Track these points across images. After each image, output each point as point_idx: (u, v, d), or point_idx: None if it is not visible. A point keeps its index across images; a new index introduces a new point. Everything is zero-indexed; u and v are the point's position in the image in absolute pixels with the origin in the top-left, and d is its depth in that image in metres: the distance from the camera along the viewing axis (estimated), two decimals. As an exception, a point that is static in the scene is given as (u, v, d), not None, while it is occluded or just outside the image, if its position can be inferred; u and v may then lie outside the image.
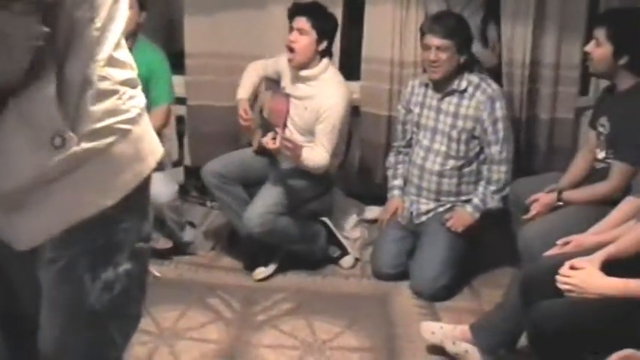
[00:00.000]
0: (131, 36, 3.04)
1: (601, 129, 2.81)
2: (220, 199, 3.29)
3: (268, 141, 3.00)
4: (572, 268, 2.14)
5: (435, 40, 3.01)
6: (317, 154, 3.08)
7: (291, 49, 3.14)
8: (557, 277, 2.14)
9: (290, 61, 3.18)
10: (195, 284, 3.18)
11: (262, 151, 3.24)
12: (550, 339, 2.06)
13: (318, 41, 3.14)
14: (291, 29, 3.17)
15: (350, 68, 3.80)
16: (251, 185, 3.30)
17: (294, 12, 3.18)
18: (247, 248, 3.35)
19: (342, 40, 3.76)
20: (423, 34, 3.10)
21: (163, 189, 3.18)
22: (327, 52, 3.22)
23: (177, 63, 3.92)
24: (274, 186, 3.18)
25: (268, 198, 3.13)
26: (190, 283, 3.19)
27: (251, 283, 3.21)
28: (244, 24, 3.76)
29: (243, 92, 3.36)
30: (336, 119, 3.10)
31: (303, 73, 3.19)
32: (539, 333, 2.11)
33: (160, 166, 3.20)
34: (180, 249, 3.44)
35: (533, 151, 3.76)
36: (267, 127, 3.22)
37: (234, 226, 3.34)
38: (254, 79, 3.40)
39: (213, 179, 3.23)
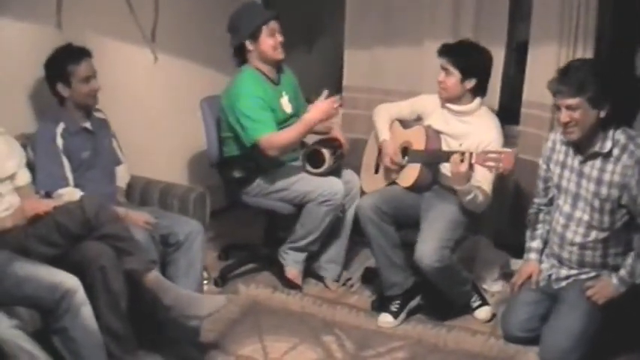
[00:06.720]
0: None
1: None
2: (373, 236, 3.16)
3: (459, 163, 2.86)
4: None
5: (562, 100, 2.68)
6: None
7: (442, 88, 3.17)
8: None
9: (441, 97, 3.21)
10: (315, 318, 3.18)
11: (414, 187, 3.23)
12: None
13: (463, 80, 3.11)
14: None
15: (510, 111, 3.60)
16: (401, 225, 3.21)
17: (439, 52, 3.16)
18: (380, 289, 3.30)
19: (503, 81, 3.59)
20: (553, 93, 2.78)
21: None
22: (479, 90, 3.16)
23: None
24: (439, 221, 3.06)
25: (438, 232, 3.01)
26: (310, 317, 3.20)
27: (372, 326, 3.14)
28: (401, 60, 3.75)
29: (387, 134, 3.33)
30: None
31: (456, 108, 3.17)
32: None
33: None
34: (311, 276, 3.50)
35: None
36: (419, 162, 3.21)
37: (380, 265, 3.21)
38: (388, 122, 3.37)
39: (372, 214, 3.13)
